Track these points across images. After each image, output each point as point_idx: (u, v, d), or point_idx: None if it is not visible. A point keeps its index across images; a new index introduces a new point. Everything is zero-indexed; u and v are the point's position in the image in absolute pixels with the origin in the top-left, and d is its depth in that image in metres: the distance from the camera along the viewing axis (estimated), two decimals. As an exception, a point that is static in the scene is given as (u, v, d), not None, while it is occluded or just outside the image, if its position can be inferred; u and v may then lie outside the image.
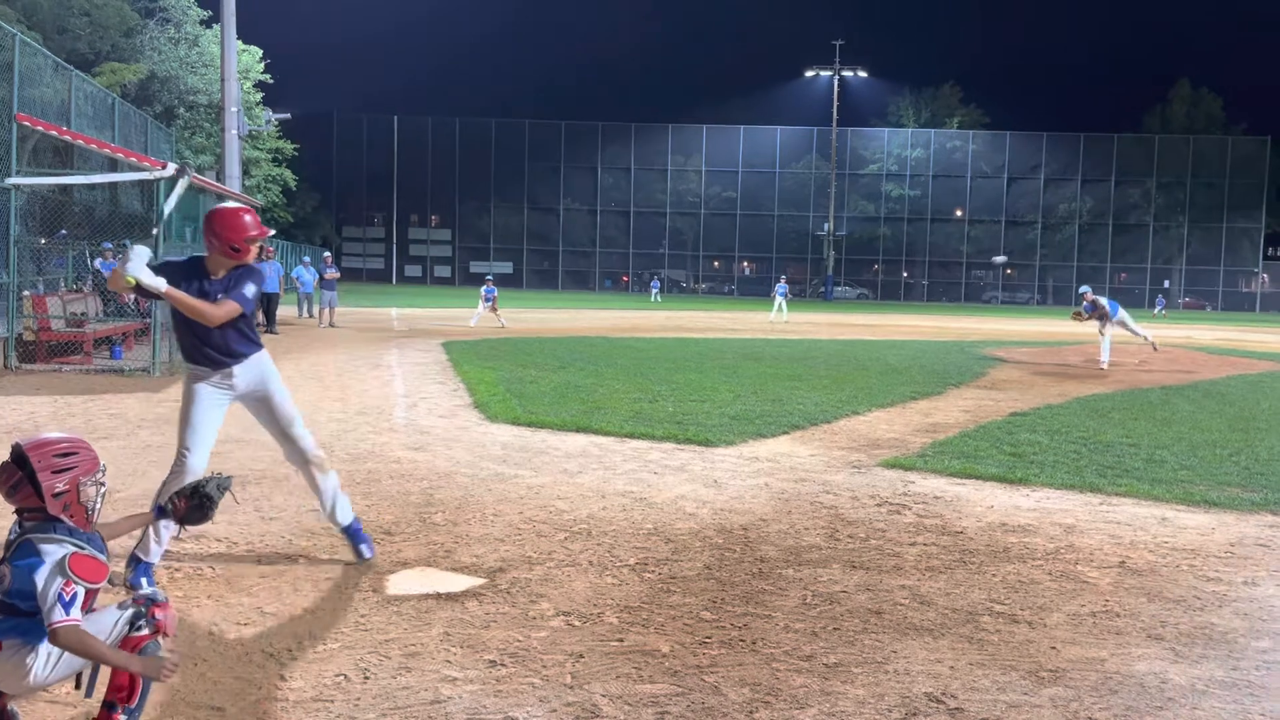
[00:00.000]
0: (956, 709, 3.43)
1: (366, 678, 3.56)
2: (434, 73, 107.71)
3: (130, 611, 2.98)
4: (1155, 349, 18.31)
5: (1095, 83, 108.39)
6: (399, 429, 8.96)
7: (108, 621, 2.95)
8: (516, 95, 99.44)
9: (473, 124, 74.86)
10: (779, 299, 35.71)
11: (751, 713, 3.37)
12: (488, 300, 25.23)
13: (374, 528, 5.45)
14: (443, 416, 9.69)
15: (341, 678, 3.56)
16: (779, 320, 33.38)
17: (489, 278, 28.33)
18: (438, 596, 4.46)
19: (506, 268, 71.41)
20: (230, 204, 5.05)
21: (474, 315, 25.73)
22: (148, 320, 13.61)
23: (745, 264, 77.99)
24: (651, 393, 11.60)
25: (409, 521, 5.69)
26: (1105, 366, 16.42)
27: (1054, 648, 4.02)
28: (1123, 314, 17.20)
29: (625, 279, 76.21)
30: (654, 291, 57.24)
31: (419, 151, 75.31)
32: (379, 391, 11.76)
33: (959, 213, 75.22)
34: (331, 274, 25.29)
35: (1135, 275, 71.27)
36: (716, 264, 78.46)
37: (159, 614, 3.03)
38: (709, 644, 3.97)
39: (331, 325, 23.19)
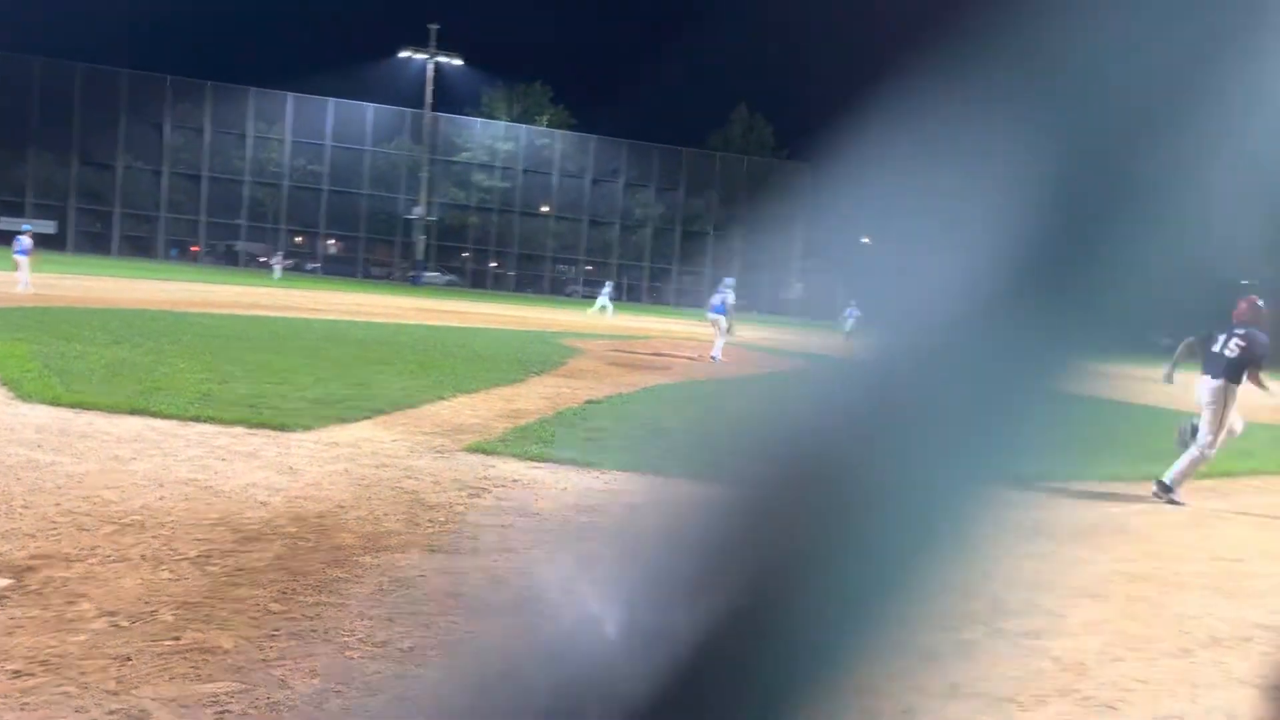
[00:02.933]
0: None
1: None
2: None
3: None
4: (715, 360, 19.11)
5: (671, 98, 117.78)
6: (-103, 408, 7.54)
7: None
8: (71, 35, 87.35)
9: (8, 60, 64.32)
10: (603, 298, 37.62)
11: (321, 704, 3.27)
12: (22, 253, 22.04)
13: None
14: (-41, 395, 8.31)
15: None
16: (603, 314, 35.50)
17: (26, 229, 24.35)
18: (-55, 604, 3.82)
19: (49, 227, 62.20)
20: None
21: (21, 280, 22.31)
22: None
23: (331, 241, 75.00)
24: (222, 373, 10.80)
25: (-92, 517, 4.82)
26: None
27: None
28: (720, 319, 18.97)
29: (195, 249, 69.95)
30: (276, 269, 52.62)
31: (-68, 82, 63.35)
32: None
33: (546, 208, 78.13)
34: None
35: (698, 278, 78.61)
36: (299, 239, 74.54)
37: None
38: (277, 636, 3.79)
39: None
